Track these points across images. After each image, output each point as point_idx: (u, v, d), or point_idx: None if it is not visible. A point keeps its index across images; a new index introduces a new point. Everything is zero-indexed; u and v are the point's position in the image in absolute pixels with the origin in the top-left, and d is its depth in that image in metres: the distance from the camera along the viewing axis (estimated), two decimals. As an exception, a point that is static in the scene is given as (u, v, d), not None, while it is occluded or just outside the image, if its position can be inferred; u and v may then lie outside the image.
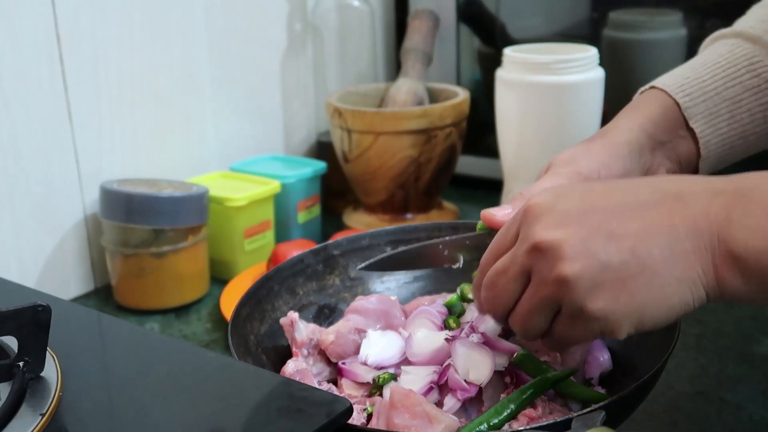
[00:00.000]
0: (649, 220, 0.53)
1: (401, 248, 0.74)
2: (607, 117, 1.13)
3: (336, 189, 1.28)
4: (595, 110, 1.08)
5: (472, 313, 0.74)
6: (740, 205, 0.51)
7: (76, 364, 0.62)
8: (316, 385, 0.71)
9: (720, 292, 0.53)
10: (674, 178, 0.56)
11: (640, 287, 0.52)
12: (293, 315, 0.75)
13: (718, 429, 0.74)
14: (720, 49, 0.75)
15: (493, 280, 0.58)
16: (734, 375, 0.83)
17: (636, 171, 0.70)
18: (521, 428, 0.59)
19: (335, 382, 0.75)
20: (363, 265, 0.75)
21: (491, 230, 0.69)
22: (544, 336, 0.59)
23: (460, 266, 0.72)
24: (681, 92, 0.74)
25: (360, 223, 1.21)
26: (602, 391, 0.72)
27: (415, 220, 1.20)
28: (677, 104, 0.74)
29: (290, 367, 0.72)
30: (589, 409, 0.58)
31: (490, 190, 1.30)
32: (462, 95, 1.18)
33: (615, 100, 1.03)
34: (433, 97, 1.24)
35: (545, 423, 0.56)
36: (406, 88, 1.21)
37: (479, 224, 0.70)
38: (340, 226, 1.22)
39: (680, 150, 0.75)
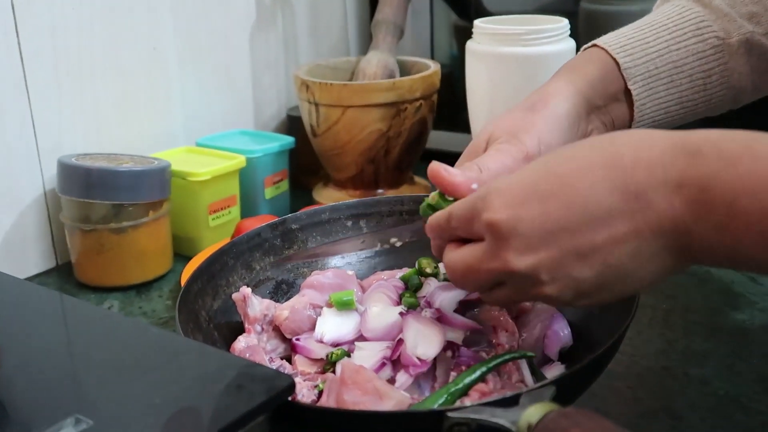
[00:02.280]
0: (614, 229, 0.51)
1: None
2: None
3: (307, 165, 1.26)
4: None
5: (429, 287, 0.72)
6: (702, 202, 0.49)
7: (16, 340, 0.60)
8: (267, 362, 0.69)
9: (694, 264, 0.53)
10: (628, 152, 0.51)
11: (617, 288, 0.54)
12: (246, 290, 0.73)
13: (681, 404, 0.73)
14: (669, 10, 0.73)
15: (459, 270, 0.58)
16: (701, 350, 0.81)
17: (572, 141, 0.68)
18: (469, 404, 0.57)
19: (290, 359, 0.73)
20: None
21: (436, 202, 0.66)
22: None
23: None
24: (622, 52, 0.72)
25: (330, 198, 1.18)
26: (562, 366, 0.70)
27: (385, 196, 1.17)
28: (617, 64, 0.71)
29: (241, 344, 0.70)
30: (538, 384, 0.56)
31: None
32: (433, 67, 1.16)
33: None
34: (405, 70, 1.22)
35: (494, 399, 0.54)
36: (376, 60, 1.19)
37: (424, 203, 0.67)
38: (310, 203, 1.20)
39: (614, 114, 0.73)
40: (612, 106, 0.73)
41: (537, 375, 0.68)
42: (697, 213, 0.49)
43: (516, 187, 0.53)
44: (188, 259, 1.04)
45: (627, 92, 0.72)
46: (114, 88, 1.08)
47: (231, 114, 1.26)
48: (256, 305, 0.74)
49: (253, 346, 0.70)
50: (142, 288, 1.00)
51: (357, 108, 1.10)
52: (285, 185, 1.18)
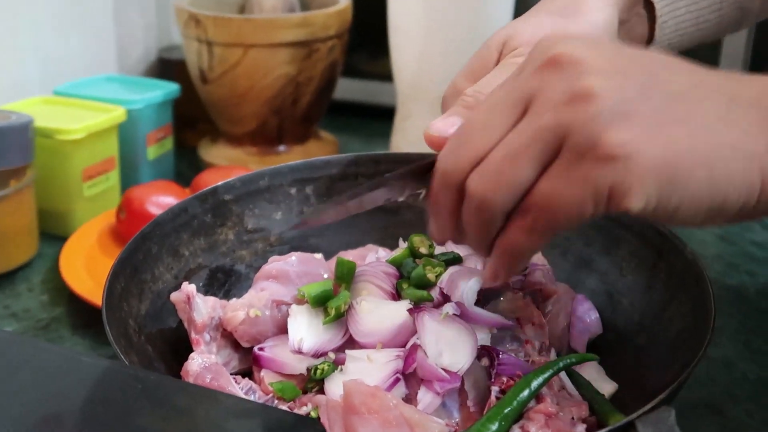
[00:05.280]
0: (704, 80, 0.39)
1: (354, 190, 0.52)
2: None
3: (186, 117, 1.05)
4: (510, 10, 0.92)
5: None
6: None
7: None
8: (234, 386, 0.51)
9: None
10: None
11: (681, 134, 0.37)
12: (189, 288, 0.55)
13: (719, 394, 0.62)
14: None
15: (469, 128, 0.42)
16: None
17: None
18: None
19: (249, 375, 0.55)
20: (294, 224, 0.53)
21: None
22: (501, 233, 0.41)
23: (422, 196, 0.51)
24: None
25: (222, 158, 0.99)
26: (594, 362, 0.56)
27: (290, 153, 0.99)
28: None
29: (195, 365, 0.51)
30: (650, 405, 0.42)
31: (370, 117, 1.13)
32: (344, 1, 0.98)
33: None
34: (305, 4, 1.03)
35: (607, 430, 0.40)
36: (273, -8, 1.00)
37: None
38: (197, 164, 1.00)
39: (636, 32, 0.63)
40: (634, 21, 0.62)
41: (573, 376, 0.54)
42: None
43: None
44: (58, 239, 0.82)
45: (649, 4, 0.62)
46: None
47: (90, 56, 1.03)
48: (201, 307, 0.55)
49: (212, 365, 0.52)
50: (4, 280, 0.77)
51: (262, 48, 0.91)
52: (169, 143, 0.97)
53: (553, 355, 0.56)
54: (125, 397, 0.39)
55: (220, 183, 0.65)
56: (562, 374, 0.54)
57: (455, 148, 0.42)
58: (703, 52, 0.71)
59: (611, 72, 0.38)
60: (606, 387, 0.55)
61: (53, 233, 0.84)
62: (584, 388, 0.53)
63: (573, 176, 0.37)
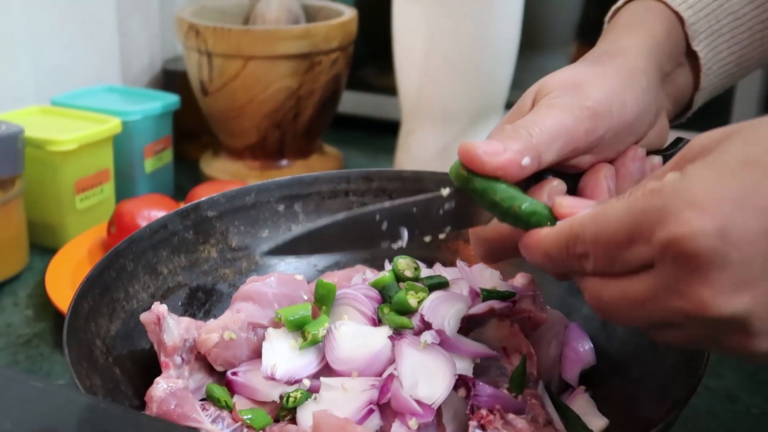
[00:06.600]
0: None
1: (322, 222, 0.50)
2: (532, 37, 0.95)
3: (188, 129, 1.04)
4: (515, 30, 0.90)
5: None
6: None
7: None
8: (199, 413, 0.49)
9: None
10: None
11: None
12: (160, 308, 0.52)
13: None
14: None
15: (616, 305, 0.39)
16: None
17: (650, 111, 0.51)
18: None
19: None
20: (269, 248, 0.51)
21: (455, 189, 0.47)
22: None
23: (403, 245, 0.49)
24: (684, 3, 0.55)
25: (223, 172, 0.97)
26: (586, 395, 0.54)
27: (292, 167, 0.98)
28: (681, 20, 0.55)
29: (160, 390, 0.49)
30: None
31: (376, 132, 1.10)
32: (349, 13, 0.97)
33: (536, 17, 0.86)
34: (310, 16, 1.02)
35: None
36: (277, 3, 0.98)
37: (453, 166, 0.48)
38: (198, 177, 0.99)
39: (679, 83, 0.58)
40: (677, 72, 0.57)
41: (561, 409, 0.52)
42: None
43: (711, 186, 0.35)
44: (49, 252, 0.80)
45: (691, 54, 0.57)
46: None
47: (92, 66, 1.02)
48: (173, 328, 0.53)
49: (177, 391, 0.49)
50: (-10, 293, 0.76)
51: (261, 60, 0.90)
52: (168, 156, 0.95)
53: (541, 387, 0.53)
54: (66, 426, 0.37)
55: (203, 198, 0.63)
56: (550, 408, 0.51)
57: (620, 320, 0.40)
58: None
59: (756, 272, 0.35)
60: (596, 422, 0.52)
61: (45, 246, 0.83)
62: (572, 422, 0.51)
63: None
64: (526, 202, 0.43)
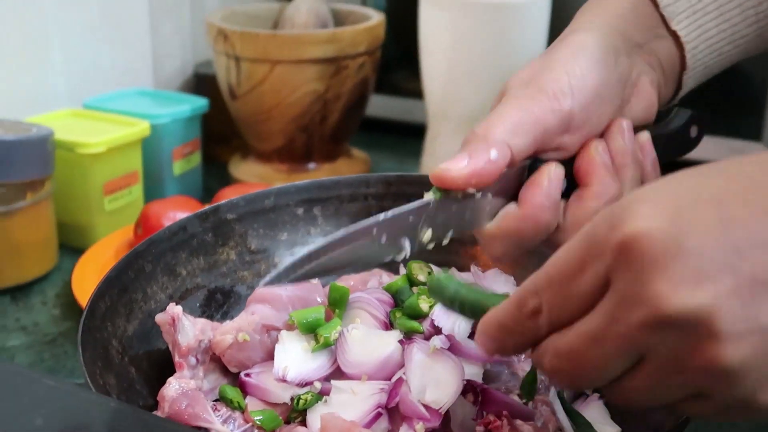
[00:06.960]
0: None
1: (315, 245, 0.51)
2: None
3: (219, 132, 1.05)
4: (540, 37, 0.89)
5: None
6: None
7: None
8: (210, 414, 0.50)
9: None
10: None
11: None
12: (175, 309, 0.53)
13: None
14: None
15: (577, 350, 0.36)
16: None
17: (613, 81, 0.52)
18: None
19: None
20: (265, 279, 0.53)
21: (445, 193, 0.48)
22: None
23: (407, 256, 0.50)
24: None
25: (251, 174, 0.98)
26: (599, 402, 0.53)
27: (319, 171, 0.98)
28: (654, 3, 0.56)
29: (172, 390, 0.50)
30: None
31: (405, 135, 1.11)
32: (376, 18, 0.97)
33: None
34: (339, 21, 1.02)
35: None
36: (306, 7, 0.99)
37: (432, 190, 0.50)
38: (227, 179, 1.00)
39: (661, 53, 0.58)
40: (656, 43, 0.57)
41: (572, 416, 0.51)
42: None
43: (661, 186, 0.35)
44: (79, 252, 0.82)
45: (672, 32, 0.57)
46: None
47: (124, 70, 1.04)
48: (188, 329, 0.54)
49: (189, 391, 0.50)
50: (19, 293, 0.78)
51: (288, 64, 0.90)
52: (197, 158, 0.97)
53: (552, 394, 0.52)
54: (74, 423, 0.38)
55: (222, 201, 0.64)
56: (561, 415, 0.51)
57: (569, 372, 0.37)
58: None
59: (740, 325, 0.32)
60: (608, 430, 0.52)
61: (74, 246, 0.84)
62: (583, 429, 0.50)
63: (719, 416, 0.35)
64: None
